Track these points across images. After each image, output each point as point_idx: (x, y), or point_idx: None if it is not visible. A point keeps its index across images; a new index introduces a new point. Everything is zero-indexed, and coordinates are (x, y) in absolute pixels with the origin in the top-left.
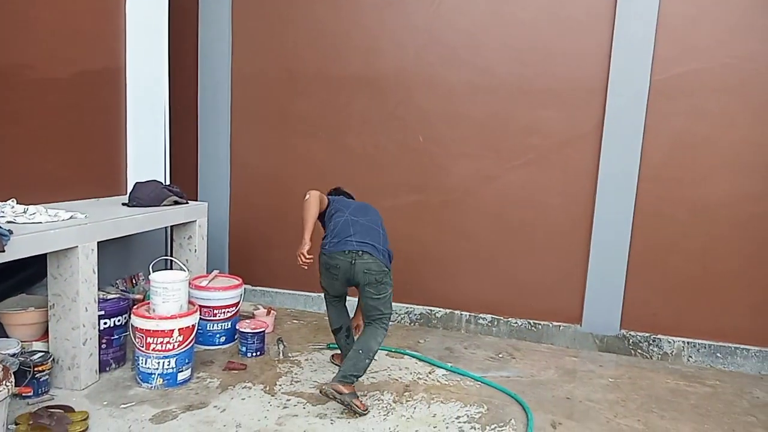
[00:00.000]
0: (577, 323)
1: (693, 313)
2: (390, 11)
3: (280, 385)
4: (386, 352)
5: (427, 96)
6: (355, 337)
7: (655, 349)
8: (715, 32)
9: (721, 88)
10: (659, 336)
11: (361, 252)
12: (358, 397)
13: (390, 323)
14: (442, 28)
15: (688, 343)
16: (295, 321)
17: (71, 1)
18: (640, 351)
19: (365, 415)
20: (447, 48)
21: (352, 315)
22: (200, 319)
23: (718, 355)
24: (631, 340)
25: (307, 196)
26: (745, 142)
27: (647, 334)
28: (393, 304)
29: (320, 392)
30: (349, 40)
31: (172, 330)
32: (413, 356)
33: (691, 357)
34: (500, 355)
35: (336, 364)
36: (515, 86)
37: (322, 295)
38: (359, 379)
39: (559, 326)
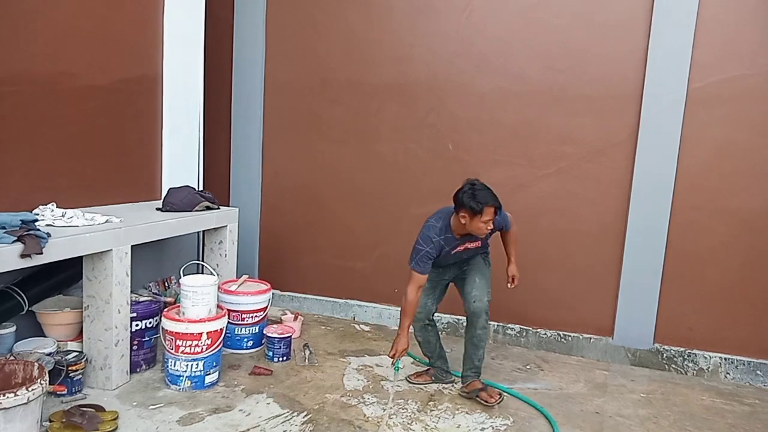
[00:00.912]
0: (609, 336)
1: (731, 328)
2: (421, 19)
3: (305, 392)
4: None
5: (459, 103)
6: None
7: (691, 365)
8: (756, 38)
9: (762, 95)
10: (695, 351)
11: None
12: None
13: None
14: (473, 35)
15: (725, 359)
16: (322, 327)
17: (112, 11)
18: (674, 366)
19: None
20: (478, 55)
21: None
22: (228, 323)
23: (758, 372)
24: (665, 355)
25: (407, 299)
26: None
27: (682, 349)
28: None
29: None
30: (381, 47)
31: (201, 333)
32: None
33: (728, 374)
34: (528, 367)
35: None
36: (548, 93)
37: (351, 301)
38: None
39: (590, 338)
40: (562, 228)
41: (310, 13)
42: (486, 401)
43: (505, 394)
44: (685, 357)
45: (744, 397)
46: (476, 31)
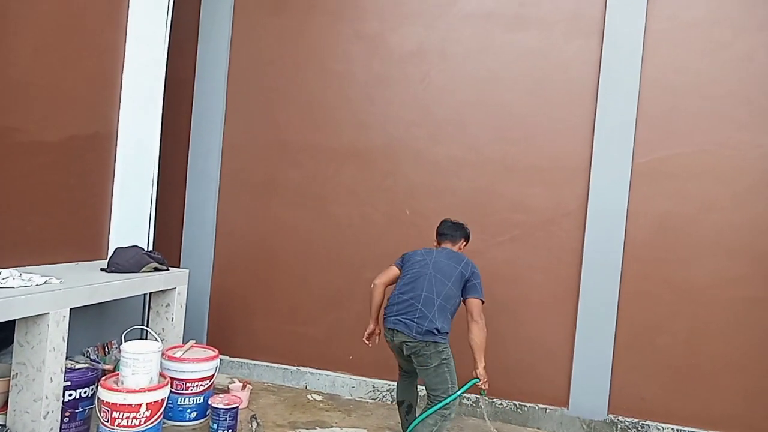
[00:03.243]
0: (564, 406)
1: (682, 398)
2: (380, 87)
3: None
4: None
5: (415, 169)
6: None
7: None
8: (693, 120)
9: (701, 172)
10: (648, 422)
11: (395, 330)
12: None
13: (374, 401)
14: (429, 106)
15: (678, 431)
16: (272, 396)
17: (68, 69)
18: None
19: None
20: (434, 123)
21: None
22: (171, 392)
23: None
24: (619, 426)
25: (372, 286)
26: (727, 225)
27: (636, 420)
28: (374, 381)
29: None
30: (339, 113)
31: (140, 404)
32: None
33: None
34: None
35: None
36: (500, 163)
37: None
38: None
39: (546, 409)
40: (515, 296)
41: (271, 78)
42: None
43: None
44: (639, 428)
45: None
46: (432, 101)
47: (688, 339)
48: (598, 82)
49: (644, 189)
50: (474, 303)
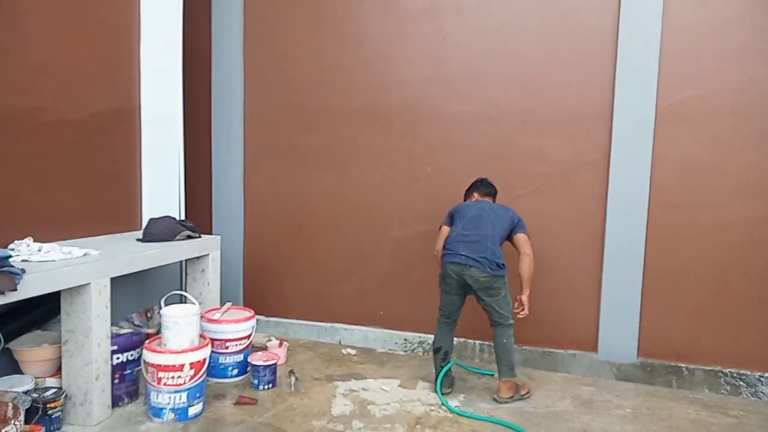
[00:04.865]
0: (593, 351)
1: (712, 339)
2: (393, 48)
3: (291, 420)
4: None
5: (431, 127)
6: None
7: (675, 378)
8: (716, 58)
9: (726, 112)
10: (679, 364)
11: (468, 266)
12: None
13: (406, 353)
14: (444, 62)
15: (708, 371)
16: (308, 351)
17: (84, 46)
18: (659, 379)
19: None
20: (450, 80)
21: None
22: (212, 352)
23: (741, 383)
24: (649, 368)
25: (435, 252)
26: (753, 165)
27: (666, 362)
28: (406, 333)
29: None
30: (355, 74)
31: (183, 364)
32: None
33: (712, 386)
34: None
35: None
36: (518, 116)
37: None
38: (515, 368)
39: (575, 354)
40: (540, 247)
41: (286, 42)
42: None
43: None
44: (669, 370)
45: (729, 409)
46: (447, 59)
47: (714, 282)
48: (618, 24)
49: (669, 133)
50: (523, 237)
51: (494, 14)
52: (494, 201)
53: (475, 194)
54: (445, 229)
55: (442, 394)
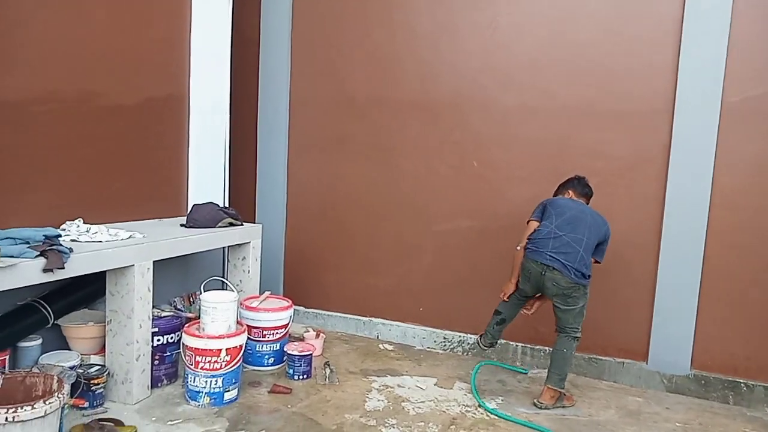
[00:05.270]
0: (643, 360)
1: None
2: (445, 37)
3: (324, 411)
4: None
5: (483, 119)
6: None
7: (732, 394)
8: None
9: None
10: (737, 379)
11: (551, 267)
12: (564, 397)
13: (444, 352)
14: (497, 52)
15: None
16: (345, 344)
17: (139, 31)
18: (714, 394)
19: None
20: (502, 71)
21: None
22: (249, 339)
23: None
24: (703, 382)
25: (518, 248)
26: None
27: (723, 376)
28: (445, 332)
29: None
30: (404, 65)
31: (220, 350)
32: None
33: None
34: None
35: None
36: (576, 108)
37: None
38: (565, 380)
39: (623, 363)
40: None
41: (335, 32)
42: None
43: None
44: (726, 385)
45: None
46: (501, 48)
47: None
48: (683, 12)
49: (736, 131)
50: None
51: (554, 2)
52: (588, 203)
53: (570, 192)
54: (533, 224)
55: (485, 346)
